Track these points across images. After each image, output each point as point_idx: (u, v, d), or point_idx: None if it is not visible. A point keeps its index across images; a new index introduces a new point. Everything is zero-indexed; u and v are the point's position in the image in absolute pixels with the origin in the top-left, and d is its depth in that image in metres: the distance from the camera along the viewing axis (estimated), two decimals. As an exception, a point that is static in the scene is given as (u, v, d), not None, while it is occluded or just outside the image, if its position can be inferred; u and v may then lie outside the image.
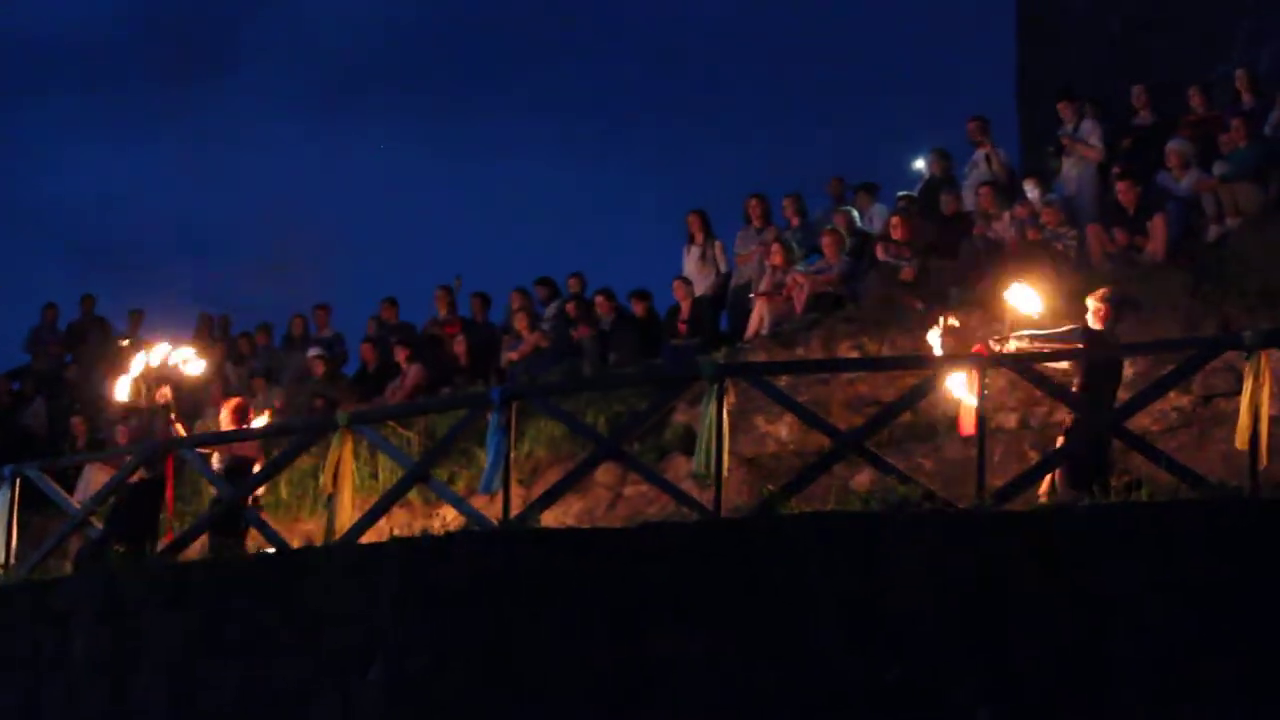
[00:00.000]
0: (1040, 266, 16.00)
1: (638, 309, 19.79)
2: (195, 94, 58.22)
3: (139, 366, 16.54)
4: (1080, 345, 13.46)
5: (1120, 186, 17.28)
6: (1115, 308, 13.72)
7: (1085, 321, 13.70)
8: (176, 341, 17.59)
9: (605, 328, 19.80)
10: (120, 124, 57.51)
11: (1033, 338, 13.59)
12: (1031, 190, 18.23)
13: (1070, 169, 18.46)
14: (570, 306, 20.29)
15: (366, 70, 59.39)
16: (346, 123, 58.28)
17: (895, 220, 18.55)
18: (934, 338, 14.12)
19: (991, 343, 13.55)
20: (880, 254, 18.32)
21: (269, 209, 56.22)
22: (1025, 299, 14.07)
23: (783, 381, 15.38)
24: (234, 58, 60.46)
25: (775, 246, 18.99)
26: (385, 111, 58.52)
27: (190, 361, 16.78)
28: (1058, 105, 19.07)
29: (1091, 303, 13.71)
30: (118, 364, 23.06)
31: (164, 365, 16.61)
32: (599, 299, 20.05)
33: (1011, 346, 13.53)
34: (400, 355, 20.72)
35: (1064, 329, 13.72)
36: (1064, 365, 13.60)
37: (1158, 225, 16.74)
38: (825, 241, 18.75)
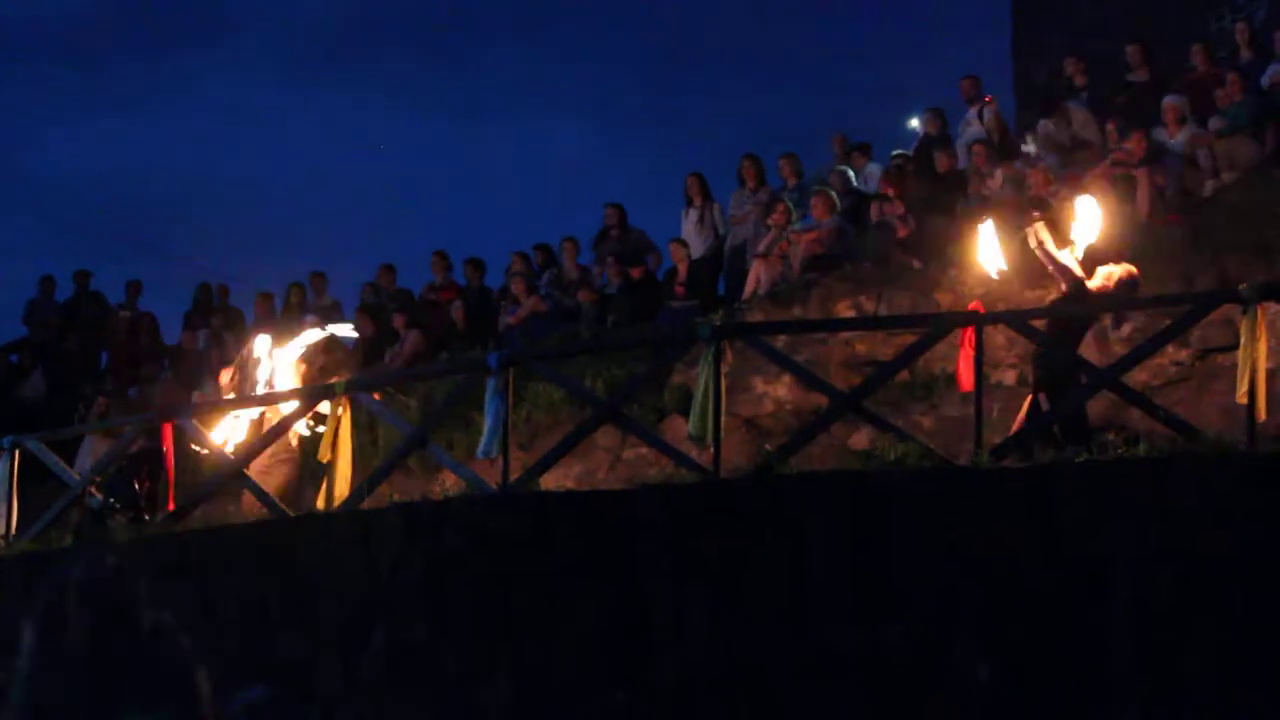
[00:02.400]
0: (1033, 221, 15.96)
1: (634, 273, 19.76)
2: (183, 64, 58.18)
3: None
4: (1064, 291, 13.38)
5: (1132, 139, 17.19)
6: (1124, 288, 13.55)
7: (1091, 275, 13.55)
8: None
9: (610, 291, 19.80)
10: (109, 96, 57.52)
11: (1042, 246, 13.43)
12: (1028, 146, 18.21)
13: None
14: (565, 270, 20.32)
15: (355, 35, 59.39)
16: (336, 88, 58.27)
17: (885, 178, 18.56)
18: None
19: (1029, 215, 13.50)
20: (874, 214, 18.32)
21: (261, 176, 56.25)
22: (1090, 212, 13.91)
23: (780, 342, 15.36)
24: (221, 26, 60.36)
25: (780, 207, 18.96)
26: (374, 76, 58.51)
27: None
28: (1065, 61, 19.03)
29: (1117, 270, 13.46)
30: (117, 336, 23.24)
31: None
32: (609, 261, 20.00)
33: (1034, 236, 13.45)
34: (398, 322, 20.72)
35: (1068, 267, 13.45)
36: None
37: (1142, 183, 16.70)
38: (814, 201, 18.70)
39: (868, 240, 18.22)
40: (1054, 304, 13.44)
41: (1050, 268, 13.47)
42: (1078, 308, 13.48)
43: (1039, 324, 13.21)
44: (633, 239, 20.42)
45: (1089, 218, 13.79)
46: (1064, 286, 13.40)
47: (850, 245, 18.23)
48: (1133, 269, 13.56)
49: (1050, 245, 13.46)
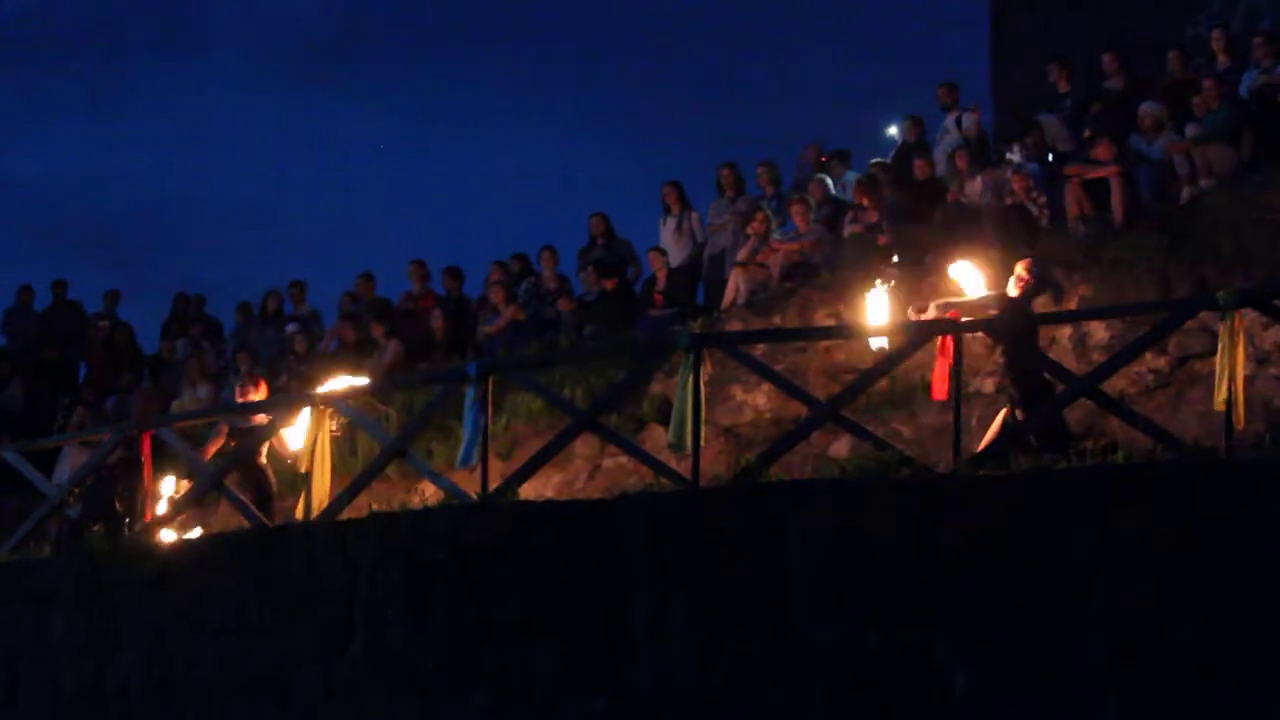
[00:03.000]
0: (1014, 230, 16.02)
1: (607, 284, 19.74)
2: (161, 73, 58.10)
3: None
4: (993, 310, 13.53)
5: (1100, 146, 17.27)
6: (1037, 281, 13.77)
7: (1006, 289, 13.75)
8: None
9: (587, 300, 19.79)
10: (87, 105, 57.39)
11: (948, 305, 13.70)
12: (1011, 154, 18.24)
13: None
14: (543, 279, 20.31)
15: (334, 45, 59.37)
16: (314, 98, 58.22)
17: (859, 187, 18.60)
18: (875, 297, 14.30)
19: (911, 311, 13.72)
20: (846, 227, 18.34)
21: (240, 185, 56.21)
22: (968, 275, 14.24)
23: (759, 351, 15.39)
24: (199, 36, 60.29)
25: (759, 215, 18.96)
26: (355, 87, 58.48)
27: None
28: (1048, 67, 19.09)
29: (1018, 269, 13.74)
30: (95, 346, 23.18)
31: None
32: (589, 270, 19.99)
33: (931, 313, 13.67)
34: (377, 330, 20.70)
35: (980, 298, 13.83)
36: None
37: (1116, 189, 16.75)
38: (795, 210, 18.73)
39: (845, 248, 18.23)
40: (1004, 317, 13.50)
41: (974, 313, 13.65)
42: (1057, 316, 13.56)
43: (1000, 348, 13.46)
44: (618, 249, 20.41)
45: (967, 278, 14.30)
46: (994, 310, 13.57)
47: (829, 254, 18.24)
48: (1027, 259, 13.90)
49: (952, 301, 13.88)
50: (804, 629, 11.34)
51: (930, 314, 13.74)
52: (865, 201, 18.38)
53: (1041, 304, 14.28)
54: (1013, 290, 13.63)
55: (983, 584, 10.91)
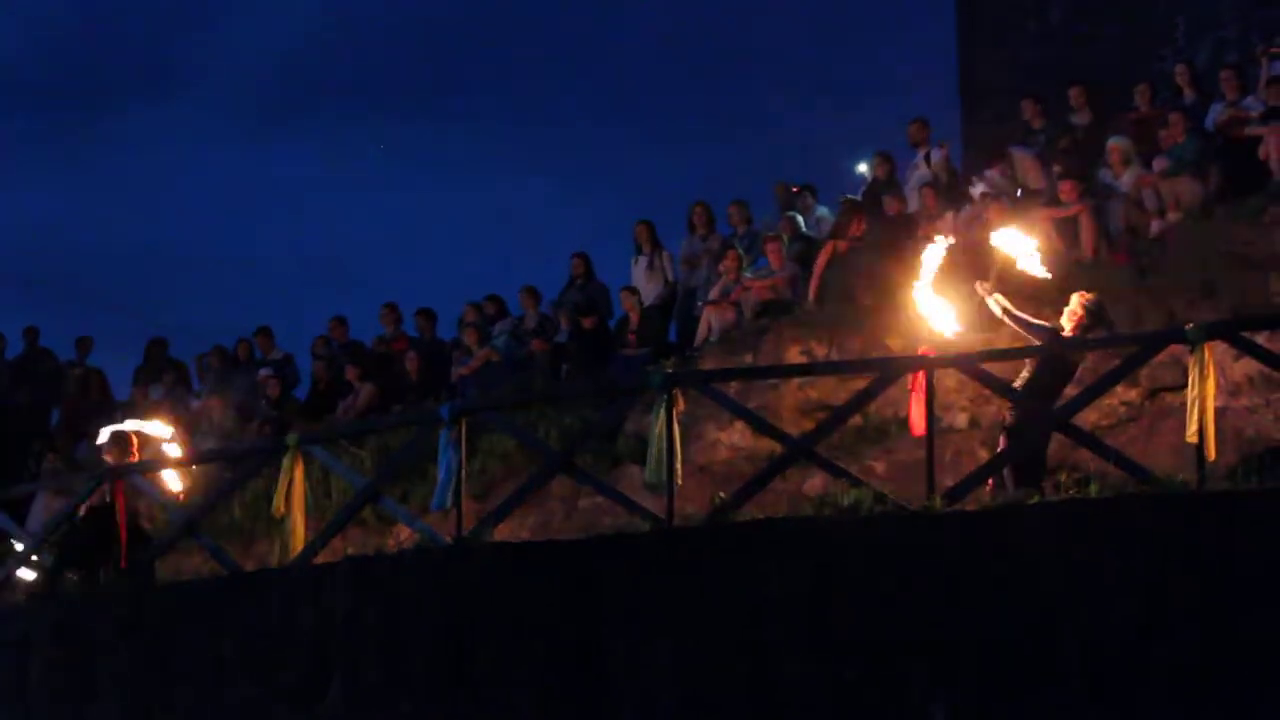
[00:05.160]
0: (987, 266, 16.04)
1: (586, 322, 19.77)
2: (132, 119, 58.02)
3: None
4: (1039, 344, 13.30)
5: (1063, 187, 17.38)
6: (1093, 318, 13.40)
7: (1058, 319, 13.49)
8: None
9: (560, 340, 19.81)
10: (57, 150, 57.23)
11: (1007, 310, 13.43)
12: (976, 188, 18.31)
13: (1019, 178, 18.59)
14: (525, 319, 20.35)
15: (307, 90, 59.39)
16: (287, 143, 58.18)
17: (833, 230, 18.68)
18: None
19: (978, 285, 13.53)
20: (818, 266, 18.34)
21: (211, 232, 56.16)
22: (1014, 241, 13.90)
23: (733, 388, 15.40)
24: (171, 82, 60.25)
25: (731, 254, 19.02)
26: (324, 130, 58.44)
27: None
28: (1022, 103, 19.19)
29: (1075, 301, 13.36)
30: (68, 393, 23.11)
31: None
32: (561, 311, 20.03)
33: (992, 306, 13.43)
34: (352, 374, 20.69)
35: (1037, 321, 13.47)
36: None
37: (1085, 223, 16.83)
38: (769, 248, 18.80)
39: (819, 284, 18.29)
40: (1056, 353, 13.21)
41: (1022, 330, 13.42)
42: (1036, 349, 13.53)
43: (1026, 372, 13.18)
44: (592, 291, 20.43)
45: (1018, 249, 13.85)
46: (1039, 341, 13.27)
47: (801, 291, 18.30)
48: (1086, 294, 13.53)
49: (1012, 309, 13.46)
50: (782, 665, 11.35)
51: (993, 306, 13.41)
52: (842, 246, 18.39)
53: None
54: (1067, 325, 13.28)
55: (959, 617, 10.94)
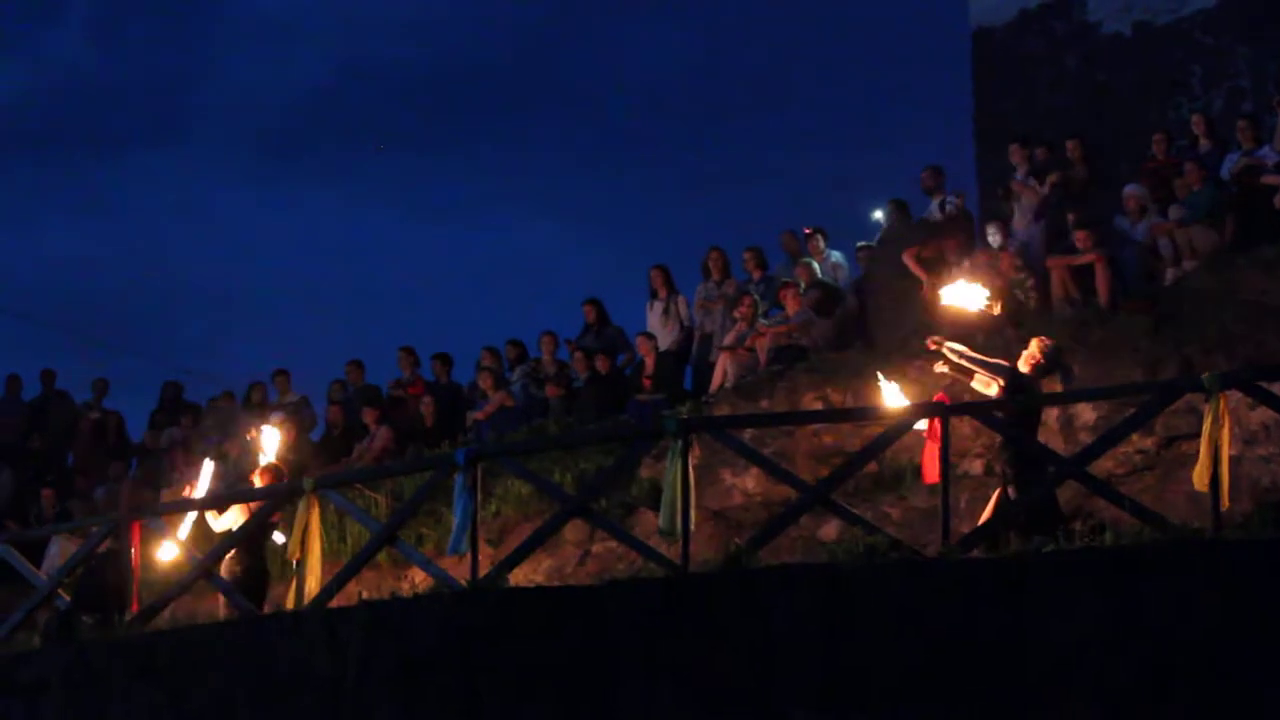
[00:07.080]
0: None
1: (602, 365, 19.79)
2: (145, 162, 58.31)
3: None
4: (999, 381, 13.54)
5: (1078, 235, 17.40)
6: (1050, 361, 13.78)
7: (1015, 361, 13.76)
8: None
9: (576, 385, 19.83)
10: (72, 194, 57.52)
11: (962, 354, 13.70)
12: (993, 235, 18.32)
13: (1020, 216, 18.61)
14: (544, 364, 20.38)
15: (320, 133, 59.61)
16: (299, 186, 58.42)
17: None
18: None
19: (929, 342, 13.75)
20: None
21: (225, 275, 56.33)
22: (964, 295, 14.26)
23: (748, 434, 15.40)
24: (183, 125, 60.54)
25: (746, 300, 19.05)
26: (331, 174, 58.69)
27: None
28: (1010, 147, 19.26)
29: (1034, 345, 13.77)
30: (83, 436, 23.15)
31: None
32: (576, 355, 20.06)
33: (948, 354, 13.76)
34: (369, 417, 20.73)
35: (994, 360, 13.80)
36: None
37: (1100, 272, 16.87)
38: (785, 295, 18.84)
39: (831, 330, 18.33)
40: (1008, 397, 13.49)
41: (981, 372, 13.66)
42: (1044, 398, 13.60)
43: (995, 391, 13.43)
44: (609, 335, 20.47)
45: (968, 299, 14.35)
46: (1002, 381, 13.54)
47: (817, 337, 18.33)
48: (1045, 339, 13.87)
49: (967, 351, 13.81)
50: (794, 712, 11.32)
51: (944, 352, 13.74)
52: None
53: (1047, 385, 14.25)
54: (1023, 367, 13.67)
55: (971, 666, 10.92)
